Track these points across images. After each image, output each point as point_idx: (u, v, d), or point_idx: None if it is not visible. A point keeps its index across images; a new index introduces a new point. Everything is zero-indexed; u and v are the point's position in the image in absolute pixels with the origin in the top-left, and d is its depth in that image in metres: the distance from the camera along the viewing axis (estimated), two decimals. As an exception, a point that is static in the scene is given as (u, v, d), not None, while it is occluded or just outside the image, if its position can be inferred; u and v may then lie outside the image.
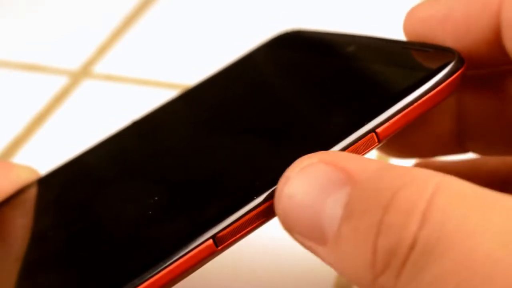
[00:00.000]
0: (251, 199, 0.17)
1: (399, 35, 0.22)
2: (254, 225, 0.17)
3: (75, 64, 0.40)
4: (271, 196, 0.17)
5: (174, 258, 0.16)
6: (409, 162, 0.24)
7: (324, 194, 0.16)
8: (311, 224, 0.16)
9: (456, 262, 0.13)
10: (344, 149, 0.18)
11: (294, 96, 0.21)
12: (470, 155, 0.23)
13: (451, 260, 0.13)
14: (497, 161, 0.23)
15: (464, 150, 0.23)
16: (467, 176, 0.23)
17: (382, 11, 0.40)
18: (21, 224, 0.21)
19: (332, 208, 0.15)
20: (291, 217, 0.16)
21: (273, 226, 0.18)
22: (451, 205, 0.14)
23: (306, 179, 0.16)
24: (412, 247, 0.14)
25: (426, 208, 0.14)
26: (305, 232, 0.16)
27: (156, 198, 0.19)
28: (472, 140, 0.22)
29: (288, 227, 0.16)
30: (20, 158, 0.33)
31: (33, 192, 0.22)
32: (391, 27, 0.24)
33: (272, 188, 0.17)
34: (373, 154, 0.20)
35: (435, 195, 0.14)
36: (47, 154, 0.33)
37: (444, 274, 0.13)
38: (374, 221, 0.15)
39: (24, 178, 0.23)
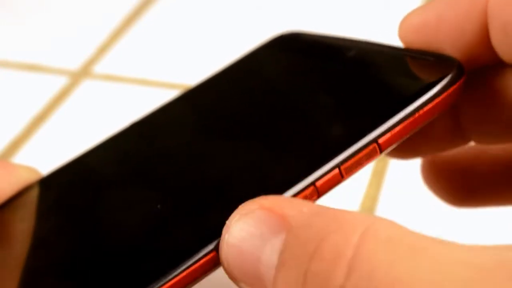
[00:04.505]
0: None
1: (396, 40, 0.22)
2: None
3: (75, 64, 0.40)
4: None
5: (178, 271, 0.16)
6: (410, 162, 0.24)
7: (262, 241, 0.15)
8: (252, 272, 0.15)
9: None
10: (347, 158, 0.18)
11: (291, 101, 0.21)
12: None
13: None
14: (498, 148, 0.23)
15: (459, 145, 0.23)
16: (472, 165, 0.23)
17: (381, 15, 0.40)
18: (23, 225, 0.21)
19: (269, 255, 0.15)
20: (233, 265, 0.16)
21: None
22: (378, 252, 0.13)
23: (245, 227, 0.16)
24: None
25: (352, 256, 0.14)
26: (247, 281, 0.15)
27: (158, 206, 0.19)
28: (467, 135, 0.22)
29: (232, 276, 0.16)
30: (20, 158, 0.33)
31: (34, 193, 0.22)
32: (389, 31, 0.24)
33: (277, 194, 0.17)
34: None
35: (362, 242, 0.14)
36: (47, 154, 0.33)
37: None
38: (301, 271, 0.14)
39: (25, 179, 0.23)
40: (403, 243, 0.14)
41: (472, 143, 0.23)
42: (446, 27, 0.20)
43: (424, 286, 0.13)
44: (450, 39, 0.20)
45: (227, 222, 0.16)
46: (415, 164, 0.24)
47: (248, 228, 0.15)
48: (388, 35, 0.23)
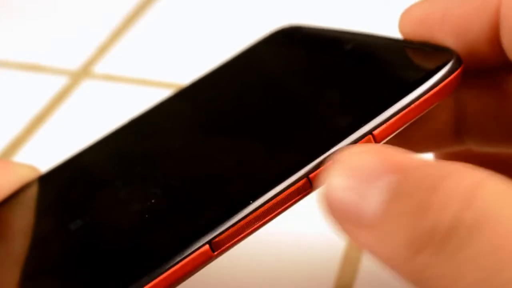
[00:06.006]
0: (247, 204, 0.17)
1: (396, 33, 0.22)
2: (250, 229, 0.17)
3: (75, 64, 0.40)
4: (266, 200, 0.17)
5: (170, 264, 0.16)
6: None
7: (370, 179, 0.16)
8: (354, 206, 0.16)
9: (494, 242, 0.14)
10: (341, 150, 0.18)
11: (290, 94, 0.21)
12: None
13: (490, 241, 0.14)
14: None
15: (461, 145, 0.23)
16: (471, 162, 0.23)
17: (380, 8, 0.40)
18: (22, 223, 0.21)
19: (376, 192, 0.16)
20: (334, 199, 0.16)
21: (272, 226, 0.18)
22: (495, 194, 0.14)
23: (354, 164, 0.16)
24: (453, 227, 0.14)
25: (471, 193, 0.14)
26: (346, 215, 0.16)
27: (152, 201, 0.19)
28: (469, 135, 0.22)
29: (330, 209, 0.16)
30: (20, 158, 0.33)
31: (33, 191, 0.22)
32: (388, 25, 0.24)
33: (268, 192, 0.17)
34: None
35: (480, 184, 0.15)
36: (47, 154, 0.33)
37: (482, 253, 0.14)
38: (418, 202, 0.15)
39: (25, 177, 0.23)
40: None
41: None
42: (451, 22, 0.20)
43: None
44: (454, 35, 0.20)
45: (335, 157, 0.17)
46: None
47: (358, 165, 0.16)
48: (386, 27, 0.23)
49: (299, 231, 0.26)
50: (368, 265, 0.25)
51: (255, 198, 0.17)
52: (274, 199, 0.17)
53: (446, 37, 0.20)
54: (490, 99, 0.21)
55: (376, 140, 0.18)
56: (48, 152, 0.34)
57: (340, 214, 0.16)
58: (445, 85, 0.18)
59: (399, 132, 0.19)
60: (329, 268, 0.25)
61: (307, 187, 0.17)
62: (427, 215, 0.15)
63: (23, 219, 0.21)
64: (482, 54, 0.20)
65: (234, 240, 0.17)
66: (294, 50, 0.23)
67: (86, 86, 0.38)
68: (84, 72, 0.39)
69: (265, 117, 0.20)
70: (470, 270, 0.14)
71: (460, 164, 0.15)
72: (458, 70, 0.19)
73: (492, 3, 0.19)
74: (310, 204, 0.19)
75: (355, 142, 0.18)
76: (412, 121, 0.18)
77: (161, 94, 0.36)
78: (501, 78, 0.21)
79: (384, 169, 0.16)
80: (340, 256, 0.25)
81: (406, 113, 0.18)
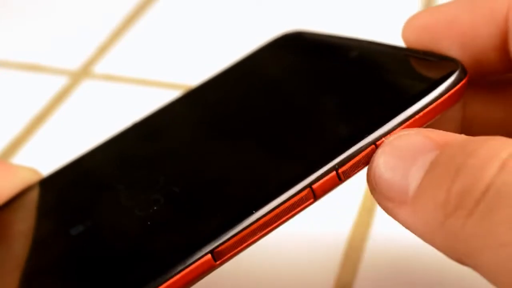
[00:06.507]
0: (250, 213, 0.17)
1: (399, 41, 0.22)
2: (253, 239, 0.17)
3: (75, 64, 0.40)
4: (269, 210, 0.17)
5: (172, 273, 0.16)
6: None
7: (413, 158, 0.16)
8: (397, 184, 0.17)
9: None
10: (345, 161, 0.18)
11: (293, 102, 0.21)
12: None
13: None
14: None
15: None
16: None
17: (383, 15, 0.40)
18: (23, 226, 0.21)
19: (418, 169, 0.16)
20: (379, 179, 0.17)
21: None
22: None
23: (399, 144, 0.17)
24: (487, 189, 0.15)
25: (506, 158, 0.15)
26: (389, 193, 0.17)
27: (154, 208, 0.19)
28: None
29: (374, 189, 0.17)
30: (20, 158, 0.33)
31: (35, 194, 0.22)
32: (391, 32, 0.24)
33: (271, 202, 0.17)
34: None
35: None
36: (47, 154, 0.33)
37: None
38: (453, 166, 0.15)
39: (26, 180, 0.23)
40: None
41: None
42: (459, 29, 0.20)
43: None
44: (461, 42, 0.20)
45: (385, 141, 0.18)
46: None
47: (403, 145, 0.17)
48: (388, 35, 0.23)
49: (299, 231, 0.26)
50: (368, 265, 0.25)
51: (257, 208, 0.17)
52: (277, 209, 0.17)
53: (452, 45, 0.20)
54: (498, 108, 0.21)
55: None
56: (48, 152, 0.34)
57: (383, 193, 0.17)
58: (450, 96, 0.18)
59: None
60: (329, 268, 0.25)
61: (310, 197, 0.17)
62: (461, 177, 0.15)
63: (24, 223, 0.21)
64: (489, 62, 0.20)
65: (237, 250, 0.17)
66: (297, 56, 0.23)
67: (86, 86, 0.38)
68: (84, 72, 0.39)
69: (269, 125, 0.20)
70: (503, 232, 0.14)
71: (497, 136, 0.16)
72: (463, 81, 0.19)
73: (501, 10, 0.19)
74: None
75: (359, 152, 0.18)
76: None
77: (161, 94, 0.36)
78: (508, 87, 0.21)
79: (426, 148, 0.16)
80: (340, 256, 0.25)
81: (410, 123, 0.18)
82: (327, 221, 0.27)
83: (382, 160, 0.17)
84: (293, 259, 0.26)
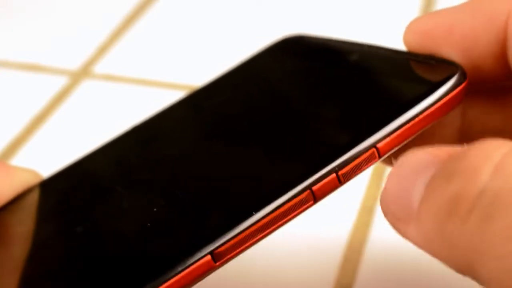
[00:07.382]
0: (250, 215, 0.17)
1: (400, 45, 0.22)
2: (253, 240, 0.17)
3: (75, 64, 0.40)
4: (269, 212, 0.17)
5: (172, 274, 0.16)
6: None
7: (415, 175, 0.16)
8: (403, 203, 0.16)
9: None
10: (345, 163, 0.18)
11: (293, 105, 0.21)
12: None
13: None
14: None
15: None
16: None
17: (383, 19, 0.40)
18: (23, 228, 0.21)
19: (420, 184, 0.16)
20: (387, 202, 0.17)
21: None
22: None
23: (403, 165, 0.17)
24: (479, 195, 0.14)
25: (500, 161, 0.14)
26: (398, 214, 0.16)
27: (154, 210, 0.19)
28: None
29: (386, 212, 0.17)
30: (20, 158, 0.33)
31: (35, 196, 0.22)
32: (392, 36, 0.24)
33: (271, 204, 0.17)
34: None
35: (509, 154, 0.14)
36: (47, 155, 0.33)
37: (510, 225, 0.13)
38: (447, 172, 0.15)
39: (26, 181, 0.23)
40: None
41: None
42: (459, 35, 0.20)
43: None
44: (461, 47, 0.20)
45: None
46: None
47: (406, 166, 0.17)
48: (388, 38, 0.23)
49: (298, 233, 0.26)
50: (368, 265, 0.25)
51: (257, 209, 0.17)
52: (277, 211, 0.17)
53: (452, 50, 0.20)
54: (496, 116, 0.21)
55: (380, 153, 0.18)
56: (48, 152, 0.34)
57: (393, 215, 0.17)
58: (450, 99, 0.18)
59: (402, 146, 0.19)
60: (329, 268, 0.25)
61: (309, 199, 0.17)
62: (453, 181, 0.15)
63: (24, 225, 0.21)
64: (488, 68, 0.20)
65: (237, 251, 0.17)
66: (298, 60, 0.23)
67: (86, 86, 0.38)
68: (84, 72, 0.39)
69: (269, 128, 0.20)
70: (499, 243, 0.14)
71: (490, 138, 0.15)
72: (463, 84, 0.19)
73: (501, 18, 0.19)
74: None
75: (359, 154, 0.18)
76: (417, 134, 0.18)
77: (161, 94, 0.36)
78: (507, 95, 0.21)
79: (428, 163, 0.16)
80: (340, 256, 0.26)
81: (410, 126, 0.18)
82: (326, 223, 0.27)
83: (388, 183, 0.17)
84: (293, 261, 0.26)
